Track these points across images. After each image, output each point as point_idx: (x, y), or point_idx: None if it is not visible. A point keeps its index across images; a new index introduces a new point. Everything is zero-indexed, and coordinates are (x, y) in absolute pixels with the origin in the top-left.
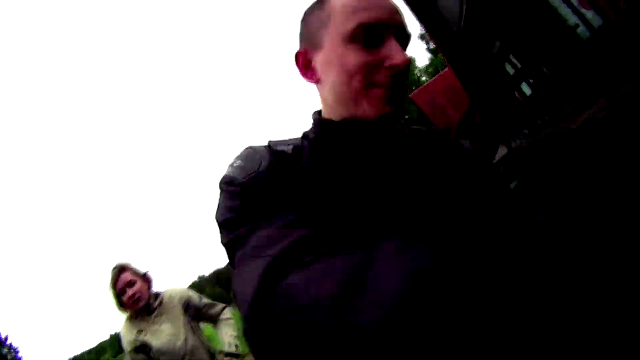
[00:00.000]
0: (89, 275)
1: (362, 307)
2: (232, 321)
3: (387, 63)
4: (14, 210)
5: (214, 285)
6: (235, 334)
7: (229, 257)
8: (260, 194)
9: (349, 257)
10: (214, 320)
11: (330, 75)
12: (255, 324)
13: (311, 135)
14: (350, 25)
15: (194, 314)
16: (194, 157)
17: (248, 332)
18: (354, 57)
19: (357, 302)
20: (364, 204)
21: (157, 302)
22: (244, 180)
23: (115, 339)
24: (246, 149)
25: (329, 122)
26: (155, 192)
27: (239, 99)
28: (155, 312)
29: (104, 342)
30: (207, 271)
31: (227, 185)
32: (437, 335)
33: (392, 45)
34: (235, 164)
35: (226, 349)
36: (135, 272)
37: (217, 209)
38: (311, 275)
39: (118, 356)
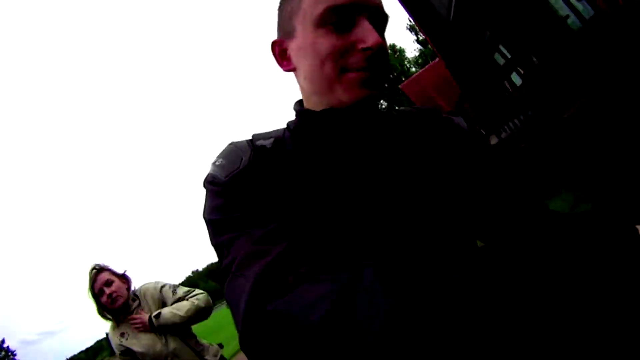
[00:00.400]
0: (85, 272)
1: (347, 340)
2: (193, 302)
3: (360, 45)
4: (7, 212)
5: (207, 280)
6: (179, 312)
7: (217, 258)
8: (241, 194)
9: (330, 285)
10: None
11: (303, 63)
12: (248, 343)
13: (292, 126)
14: (319, 9)
15: None
16: (188, 155)
17: (243, 348)
18: (324, 42)
19: (340, 334)
20: (348, 197)
21: (135, 304)
22: (225, 178)
23: None
24: (228, 145)
25: (309, 112)
26: (149, 189)
27: (228, 94)
28: (134, 314)
29: (101, 340)
30: (200, 265)
31: (210, 184)
32: None
33: (365, 27)
34: (217, 162)
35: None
36: (113, 272)
37: (204, 208)
38: (292, 304)
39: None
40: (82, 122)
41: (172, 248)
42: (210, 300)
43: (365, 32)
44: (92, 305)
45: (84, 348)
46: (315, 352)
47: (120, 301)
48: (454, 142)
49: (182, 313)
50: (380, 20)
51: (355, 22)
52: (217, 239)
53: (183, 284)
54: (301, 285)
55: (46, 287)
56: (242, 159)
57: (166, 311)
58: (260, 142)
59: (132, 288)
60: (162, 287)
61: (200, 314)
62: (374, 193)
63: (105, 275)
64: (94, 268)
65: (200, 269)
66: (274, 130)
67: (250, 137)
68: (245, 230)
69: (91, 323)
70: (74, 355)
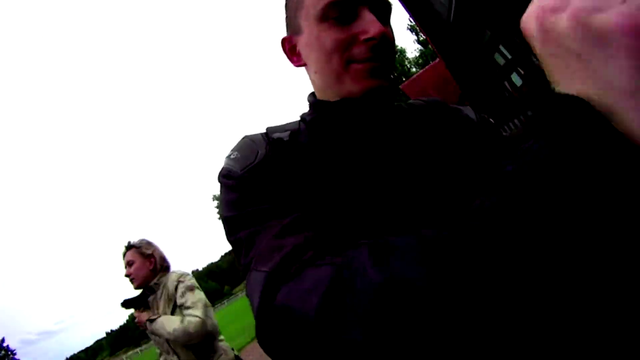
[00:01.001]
0: (85, 272)
1: (344, 325)
2: (183, 323)
3: (362, 37)
4: (8, 211)
5: (207, 280)
6: (167, 327)
7: (235, 255)
8: (257, 187)
9: (327, 269)
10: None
11: (312, 57)
12: (262, 334)
13: (307, 118)
14: (320, 4)
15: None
16: (189, 155)
17: (260, 342)
18: (328, 36)
19: (338, 319)
20: (367, 187)
21: (156, 293)
22: (240, 172)
23: (112, 337)
24: (243, 138)
25: (324, 103)
26: (150, 188)
27: (237, 91)
28: (154, 297)
29: (101, 340)
30: (200, 265)
31: (225, 178)
32: (420, 344)
33: (366, 18)
34: (232, 156)
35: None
36: (138, 252)
37: (220, 203)
38: (295, 290)
39: (115, 354)
40: (81, 123)
41: (172, 247)
42: (205, 328)
43: (367, 23)
44: (94, 304)
45: (83, 348)
46: (319, 334)
47: (135, 284)
48: (465, 132)
49: (169, 329)
50: (383, 9)
51: (357, 14)
52: (234, 235)
53: (184, 276)
54: (300, 274)
55: (46, 288)
56: (257, 152)
57: (159, 321)
58: (276, 135)
59: (170, 269)
60: (179, 284)
61: (187, 337)
62: (392, 183)
63: (128, 255)
64: (125, 246)
65: (200, 268)
66: (288, 123)
67: (264, 131)
68: (264, 223)
69: (91, 323)
70: (74, 355)
